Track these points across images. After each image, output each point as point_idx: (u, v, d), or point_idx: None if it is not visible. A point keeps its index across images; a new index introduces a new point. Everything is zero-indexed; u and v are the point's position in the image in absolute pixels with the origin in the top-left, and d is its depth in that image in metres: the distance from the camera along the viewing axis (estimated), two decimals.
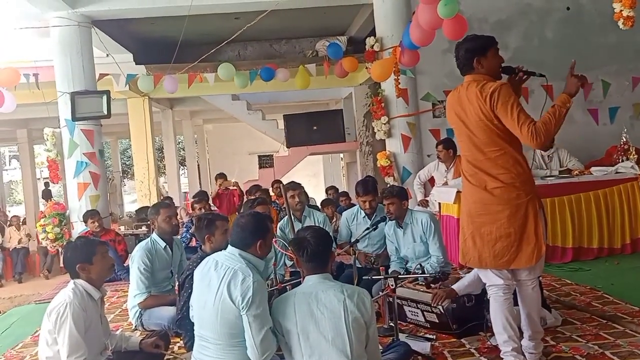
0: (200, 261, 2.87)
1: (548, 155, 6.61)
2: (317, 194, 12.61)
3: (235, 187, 9.06)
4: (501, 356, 3.02)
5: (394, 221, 4.46)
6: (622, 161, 5.99)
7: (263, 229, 2.71)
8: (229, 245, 2.71)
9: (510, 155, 2.91)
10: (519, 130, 2.78)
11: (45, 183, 15.60)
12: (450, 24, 5.12)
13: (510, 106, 2.79)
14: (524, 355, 3.01)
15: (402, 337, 3.45)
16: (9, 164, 27.89)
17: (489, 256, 2.94)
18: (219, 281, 2.57)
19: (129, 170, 24.45)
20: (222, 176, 9.23)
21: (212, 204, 8.87)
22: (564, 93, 2.93)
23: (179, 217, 9.22)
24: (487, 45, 2.98)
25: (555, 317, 3.71)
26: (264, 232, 2.70)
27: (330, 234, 4.93)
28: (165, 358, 3.42)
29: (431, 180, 7.06)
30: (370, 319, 2.47)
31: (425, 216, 4.42)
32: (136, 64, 9.82)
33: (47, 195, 8.06)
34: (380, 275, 3.76)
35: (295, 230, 4.32)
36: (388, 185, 6.52)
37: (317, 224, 5.00)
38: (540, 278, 3.53)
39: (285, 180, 8.46)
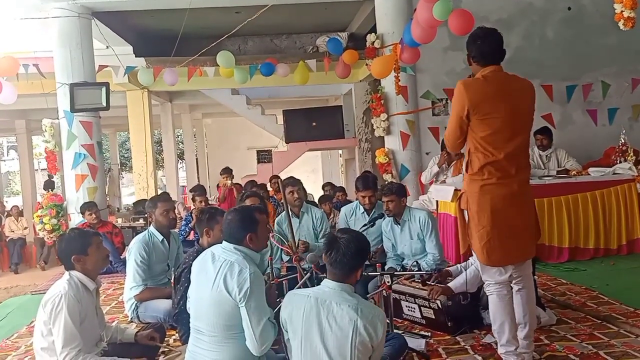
0: (197, 255, 2.87)
1: (546, 155, 6.63)
2: (316, 190, 12.61)
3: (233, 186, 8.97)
4: (502, 356, 3.01)
5: (391, 218, 4.47)
6: (620, 162, 6.01)
7: (250, 222, 2.69)
8: (223, 241, 2.72)
9: (529, 151, 3.09)
10: None
11: (49, 175, 15.53)
12: (455, 19, 5.07)
13: None
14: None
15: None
16: (7, 155, 27.85)
17: (516, 250, 2.94)
18: (216, 273, 2.57)
19: (127, 163, 24.40)
20: (226, 171, 8.98)
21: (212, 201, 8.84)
22: None
23: (176, 211, 9.21)
24: None
25: (550, 316, 3.73)
26: (252, 225, 2.68)
27: (328, 230, 4.99)
28: (161, 350, 3.42)
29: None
30: (378, 344, 2.34)
31: (423, 214, 4.42)
32: (136, 56, 9.79)
33: (49, 185, 8.02)
34: (376, 272, 3.77)
35: (293, 226, 4.33)
36: (387, 183, 6.51)
37: (314, 220, 5.01)
38: (535, 277, 3.54)
39: (283, 175, 8.45)
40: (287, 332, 2.46)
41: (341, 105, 12.48)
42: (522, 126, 2.96)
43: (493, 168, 2.91)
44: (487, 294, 3.07)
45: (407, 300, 3.87)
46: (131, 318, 4.32)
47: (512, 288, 3.02)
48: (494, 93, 2.90)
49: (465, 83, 2.95)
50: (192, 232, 6.55)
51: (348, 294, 2.37)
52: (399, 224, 4.45)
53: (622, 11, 4.16)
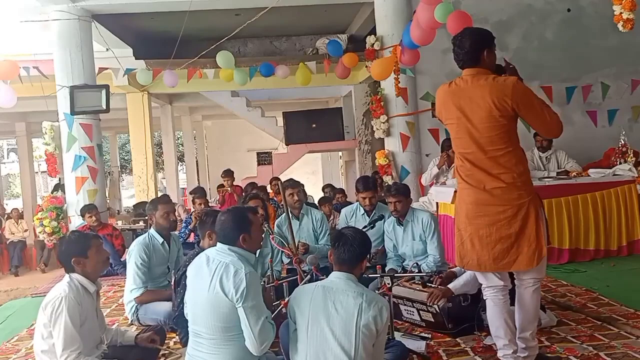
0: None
1: (546, 157, 6.63)
2: (316, 192, 12.60)
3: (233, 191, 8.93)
4: (500, 359, 3.00)
5: (394, 218, 4.47)
6: (620, 163, 6.01)
7: (243, 223, 2.68)
8: (218, 242, 2.71)
9: (513, 154, 2.85)
10: (549, 119, 2.82)
11: (59, 178, 15.51)
12: (453, 21, 5.08)
13: (534, 98, 2.81)
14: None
15: (397, 335, 3.46)
16: (7, 157, 27.87)
17: (489, 259, 2.87)
18: (211, 275, 2.57)
19: (127, 165, 24.42)
20: (228, 174, 8.93)
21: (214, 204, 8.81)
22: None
23: (176, 214, 9.19)
24: (491, 38, 2.94)
25: (550, 318, 3.72)
26: (245, 226, 2.67)
27: (328, 232, 4.99)
28: (161, 353, 3.43)
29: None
30: (382, 329, 2.44)
31: (426, 215, 4.44)
32: (136, 58, 9.80)
33: (59, 187, 8.06)
34: (376, 274, 3.77)
35: (293, 228, 4.33)
36: (392, 183, 6.51)
37: (314, 222, 5.02)
38: None
39: (283, 177, 8.45)
40: (294, 322, 2.50)
41: (341, 107, 12.50)
42: (481, 132, 2.82)
43: (463, 173, 2.94)
44: (484, 298, 3.05)
45: (405, 305, 3.87)
46: (131, 320, 4.32)
47: (507, 292, 2.97)
48: (450, 98, 2.93)
49: (438, 88, 3.04)
50: (192, 234, 6.55)
51: (354, 282, 2.52)
52: (402, 225, 4.45)
53: (621, 13, 4.16)
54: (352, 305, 2.41)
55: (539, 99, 2.85)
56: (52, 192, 7.90)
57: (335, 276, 2.54)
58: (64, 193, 7.91)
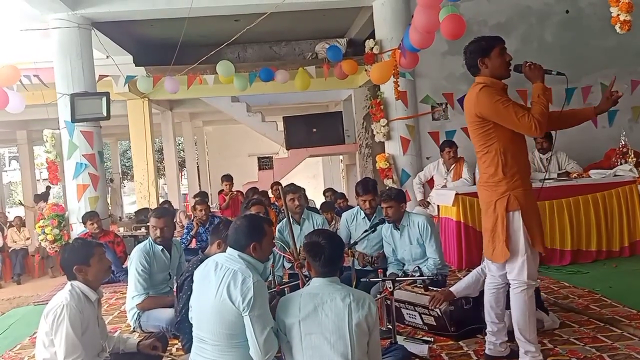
0: (200, 264, 2.86)
1: (547, 158, 6.63)
2: (317, 196, 12.62)
3: (236, 194, 8.93)
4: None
5: (391, 223, 4.47)
6: (621, 164, 6.01)
7: (257, 231, 2.68)
8: (228, 247, 2.71)
9: (487, 156, 3.06)
10: (517, 120, 2.91)
11: (47, 187, 15.51)
12: (448, 24, 5.09)
13: (499, 104, 2.92)
14: None
15: (400, 339, 3.45)
16: (9, 165, 27.90)
17: (484, 247, 3.21)
18: (219, 282, 2.56)
19: (128, 172, 24.44)
20: (228, 178, 8.93)
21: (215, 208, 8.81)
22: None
23: (177, 220, 9.20)
24: (491, 45, 3.03)
25: (553, 320, 3.72)
26: (258, 235, 2.68)
27: None
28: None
29: (430, 182, 7.07)
30: (374, 325, 2.46)
31: (421, 218, 4.43)
32: (136, 65, 9.83)
33: (43, 196, 8.00)
34: (378, 278, 3.77)
35: (294, 233, 4.33)
36: (386, 188, 6.52)
37: (316, 227, 5.00)
38: (538, 280, 3.52)
39: (284, 182, 8.45)
40: (285, 335, 2.49)
41: (341, 111, 12.52)
42: (471, 137, 3.15)
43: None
44: None
45: (407, 308, 3.87)
46: (134, 327, 4.32)
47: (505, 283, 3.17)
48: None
49: None
50: (193, 240, 6.55)
51: (337, 283, 2.54)
52: (399, 229, 4.45)
53: (618, 14, 4.15)
54: (341, 307, 2.42)
55: (508, 103, 2.93)
56: (36, 203, 7.89)
57: (318, 282, 2.54)
58: (46, 202, 7.89)
